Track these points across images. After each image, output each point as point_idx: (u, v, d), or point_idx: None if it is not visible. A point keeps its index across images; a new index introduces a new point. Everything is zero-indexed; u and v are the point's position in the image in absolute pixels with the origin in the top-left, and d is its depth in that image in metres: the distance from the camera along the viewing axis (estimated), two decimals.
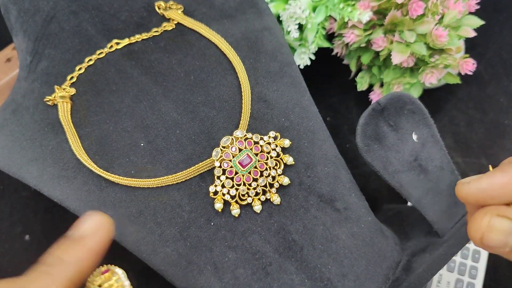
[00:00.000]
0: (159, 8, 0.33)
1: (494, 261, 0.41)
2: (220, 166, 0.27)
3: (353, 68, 0.43)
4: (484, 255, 0.40)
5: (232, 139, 0.27)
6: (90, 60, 0.32)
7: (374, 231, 0.28)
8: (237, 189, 0.27)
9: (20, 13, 0.33)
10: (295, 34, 0.39)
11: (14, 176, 0.29)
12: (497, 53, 0.50)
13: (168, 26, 0.33)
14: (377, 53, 0.41)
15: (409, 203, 0.39)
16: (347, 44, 0.42)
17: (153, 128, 0.29)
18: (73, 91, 0.31)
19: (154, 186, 0.28)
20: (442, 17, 0.38)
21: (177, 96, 0.30)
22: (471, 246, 0.40)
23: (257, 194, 0.27)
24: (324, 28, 0.40)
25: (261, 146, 0.27)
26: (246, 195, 0.27)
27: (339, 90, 0.49)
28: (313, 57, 0.41)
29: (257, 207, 0.27)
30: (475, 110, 0.47)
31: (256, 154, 0.27)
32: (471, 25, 0.39)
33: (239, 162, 0.27)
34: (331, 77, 0.49)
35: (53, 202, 0.28)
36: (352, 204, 0.28)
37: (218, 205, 0.27)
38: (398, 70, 0.41)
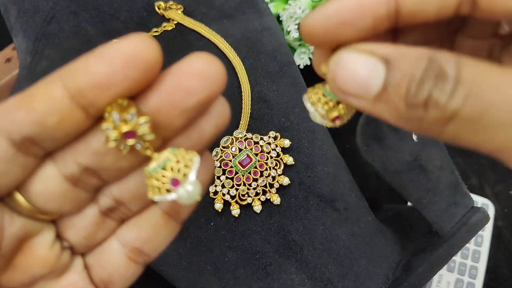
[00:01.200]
0: (159, 8, 0.33)
1: (494, 261, 0.40)
2: (220, 166, 0.27)
3: None
4: (484, 255, 0.40)
5: (232, 139, 0.27)
6: None
7: (374, 231, 0.28)
8: (237, 189, 0.27)
9: (20, 13, 0.33)
10: (295, 34, 0.39)
11: None
12: None
13: (168, 26, 0.33)
14: None
15: (409, 203, 0.39)
16: None
17: None
18: None
19: None
20: None
21: None
22: (471, 246, 0.40)
23: (257, 194, 0.27)
24: None
25: (261, 146, 0.27)
26: (246, 195, 0.27)
27: None
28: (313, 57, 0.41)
29: (257, 207, 0.27)
30: None
31: (256, 154, 0.27)
32: None
33: (239, 162, 0.27)
34: None
35: None
36: (352, 204, 0.28)
37: (218, 205, 0.27)
38: None
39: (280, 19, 0.39)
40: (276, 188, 0.27)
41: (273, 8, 0.39)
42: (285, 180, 0.27)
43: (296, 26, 0.39)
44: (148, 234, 0.17)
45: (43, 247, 0.16)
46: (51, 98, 0.13)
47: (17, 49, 0.34)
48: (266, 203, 0.27)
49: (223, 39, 0.31)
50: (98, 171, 0.15)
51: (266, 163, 0.27)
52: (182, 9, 0.33)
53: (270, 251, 0.26)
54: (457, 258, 0.40)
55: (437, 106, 0.13)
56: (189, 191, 0.14)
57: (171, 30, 0.33)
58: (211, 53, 0.34)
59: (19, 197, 0.15)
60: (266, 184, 0.27)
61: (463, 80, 0.12)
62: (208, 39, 0.32)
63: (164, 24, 0.33)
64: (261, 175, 0.27)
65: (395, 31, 0.17)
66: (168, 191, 0.14)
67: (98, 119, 0.14)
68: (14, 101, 0.14)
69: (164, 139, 0.15)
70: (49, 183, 0.15)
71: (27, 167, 0.14)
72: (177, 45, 0.32)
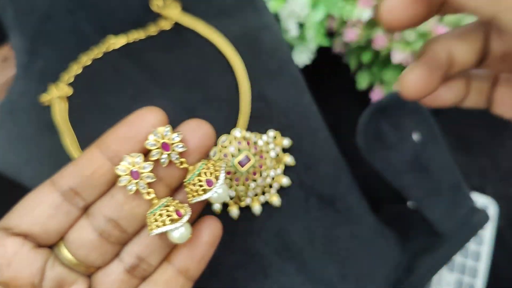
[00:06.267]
0: (156, 7, 0.33)
1: (495, 261, 0.40)
2: None
3: (353, 67, 0.43)
4: (484, 255, 0.40)
5: (230, 138, 0.27)
6: (87, 59, 0.32)
7: (375, 231, 0.28)
8: (235, 190, 0.26)
9: (16, 12, 0.33)
10: (294, 32, 0.38)
11: (10, 176, 0.29)
12: None
13: (165, 25, 0.32)
14: (377, 52, 0.41)
15: (409, 203, 0.39)
16: (347, 43, 0.41)
17: None
18: (70, 90, 0.31)
19: None
20: None
21: (175, 95, 0.30)
22: (471, 246, 0.40)
23: (256, 194, 0.27)
24: (323, 26, 0.40)
25: (260, 146, 0.27)
26: (245, 195, 0.26)
27: (339, 90, 0.49)
28: (312, 56, 0.41)
29: (256, 208, 0.26)
30: (476, 109, 0.47)
31: (255, 154, 0.27)
32: None
33: (238, 162, 0.26)
34: (331, 77, 0.49)
35: None
36: (353, 205, 0.28)
37: (217, 206, 0.26)
38: (398, 69, 0.41)
39: (279, 17, 0.39)
40: (276, 189, 0.27)
41: (272, 6, 0.39)
42: (285, 181, 0.27)
43: (295, 25, 0.38)
44: None
45: None
46: (89, 156, 0.19)
47: (14, 48, 0.34)
48: (266, 204, 0.27)
49: (221, 37, 0.31)
50: (119, 220, 0.19)
51: (265, 163, 0.27)
52: (180, 7, 0.33)
53: (270, 252, 0.26)
54: (457, 257, 0.39)
55: None
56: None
57: (168, 28, 0.32)
58: (209, 52, 0.34)
59: (63, 248, 0.19)
60: (265, 184, 0.27)
61: None
62: (206, 37, 0.31)
63: (162, 22, 0.33)
64: (261, 176, 0.27)
65: None
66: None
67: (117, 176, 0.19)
68: (70, 163, 0.19)
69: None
70: (83, 233, 0.19)
71: (70, 215, 0.19)
72: (174, 44, 0.32)
